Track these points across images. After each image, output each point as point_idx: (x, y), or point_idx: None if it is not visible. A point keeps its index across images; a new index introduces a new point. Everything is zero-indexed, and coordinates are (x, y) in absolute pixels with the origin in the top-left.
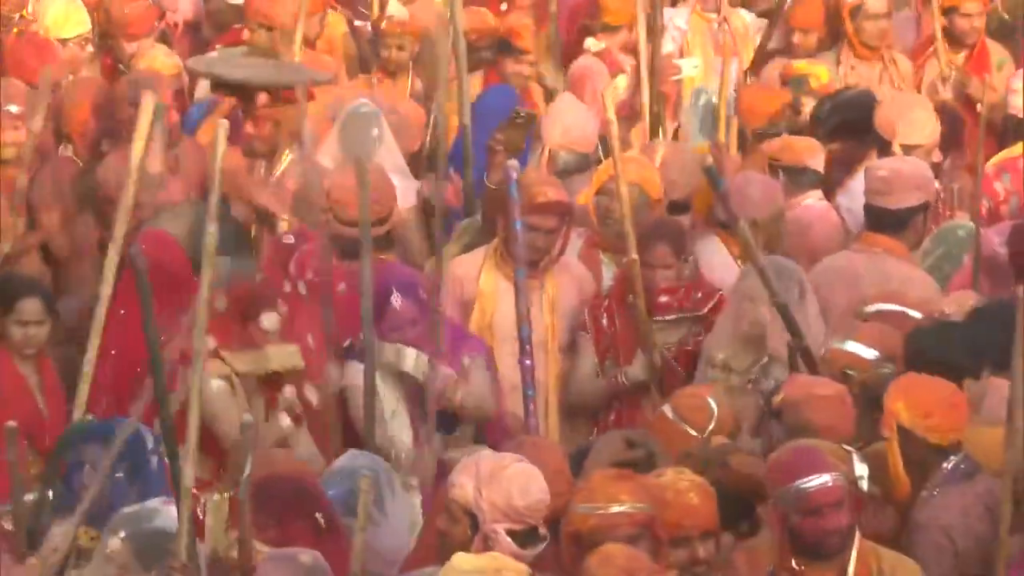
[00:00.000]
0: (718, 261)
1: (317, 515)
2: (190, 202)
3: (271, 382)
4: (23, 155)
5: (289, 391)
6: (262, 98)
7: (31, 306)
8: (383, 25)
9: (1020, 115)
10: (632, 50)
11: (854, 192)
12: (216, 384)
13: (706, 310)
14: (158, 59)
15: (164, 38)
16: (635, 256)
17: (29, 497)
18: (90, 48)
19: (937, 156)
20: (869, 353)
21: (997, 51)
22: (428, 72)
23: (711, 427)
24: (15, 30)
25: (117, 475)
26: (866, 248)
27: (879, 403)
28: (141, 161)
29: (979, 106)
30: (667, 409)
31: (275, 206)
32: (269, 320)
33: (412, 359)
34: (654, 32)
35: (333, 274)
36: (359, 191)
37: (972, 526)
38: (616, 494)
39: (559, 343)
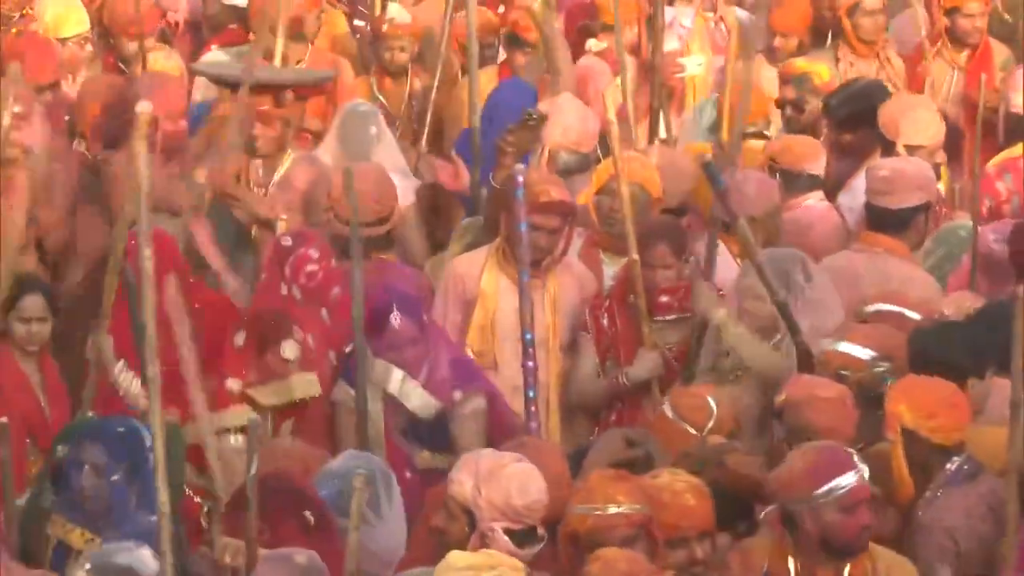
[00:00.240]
0: (717, 260)
1: (306, 514)
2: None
3: (286, 408)
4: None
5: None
6: (269, 99)
7: (33, 302)
8: (384, 28)
9: (1020, 112)
10: (633, 50)
11: (856, 191)
12: (236, 441)
13: None
14: (158, 62)
15: (165, 37)
16: (636, 256)
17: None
18: (89, 47)
19: (940, 157)
20: (863, 353)
21: (1000, 51)
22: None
23: (710, 426)
24: (14, 30)
25: (114, 477)
26: (867, 248)
27: (877, 403)
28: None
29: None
30: (666, 408)
31: (266, 210)
32: (290, 349)
33: (398, 382)
34: (655, 31)
35: (330, 277)
36: (346, 196)
37: (975, 527)
38: (614, 495)
39: (560, 342)
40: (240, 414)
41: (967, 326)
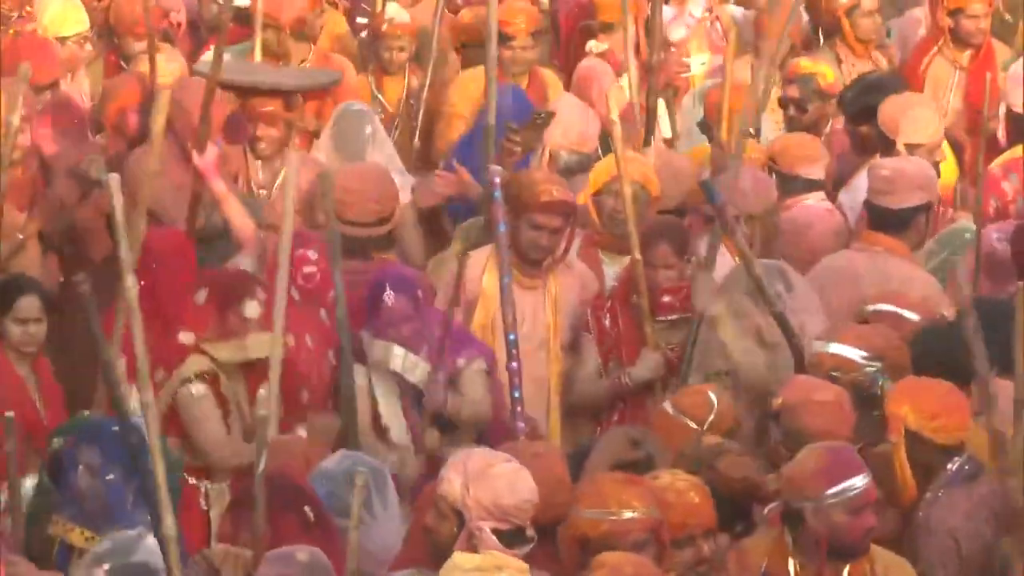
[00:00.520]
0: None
1: (306, 510)
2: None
3: (253, 372)
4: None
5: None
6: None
7: (29, 303)
8: (384, 28)
9: (1019, 110)
10: (634, 49)
11: (856, 190)
12: (197, 390)
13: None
14: (159, 64)
15: (167, 38)
16: (638, 256)
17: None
18: (88, 47)
19: (940, 155)
20: (854, 353)
21: (1003, 52)
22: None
23: (711, 420)
24: (11, 31)
25: (109, 477)
26: (867, 247)
27: (871, 403)
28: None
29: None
30: (667, 405)
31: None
32: (250, 308)
33: (400, 358)
34: (653, 31)
35: (328, 277)
36: (322, 200)
37: (977, 528)
38: (628, 500)
39: (561, 343)
40: (197, 360)
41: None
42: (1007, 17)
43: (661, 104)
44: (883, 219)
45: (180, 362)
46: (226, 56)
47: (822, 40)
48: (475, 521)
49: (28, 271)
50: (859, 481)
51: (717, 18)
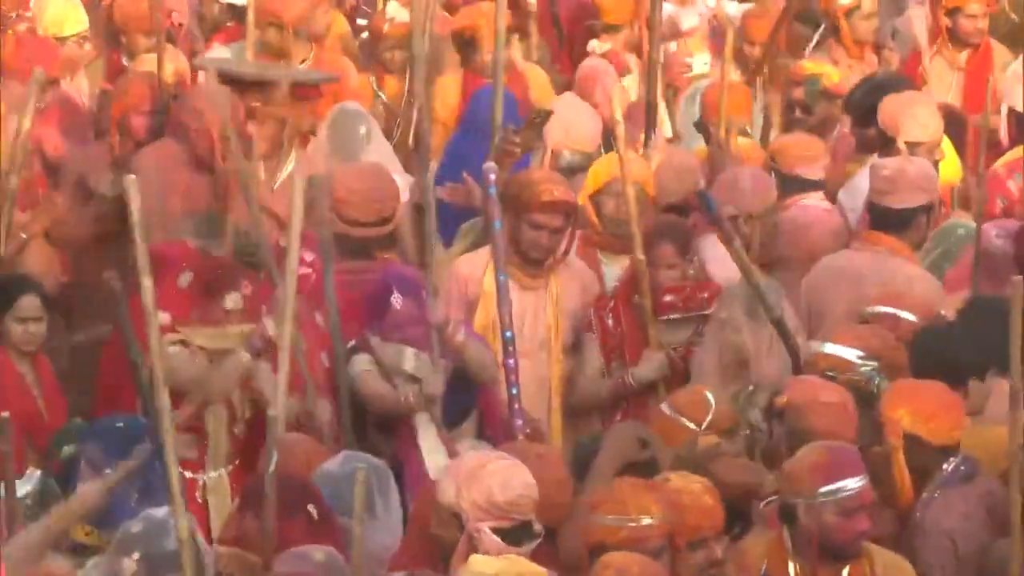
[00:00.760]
0: (711, 255)
1: (310, 508)
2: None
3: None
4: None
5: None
6: (261, 96)
7: (30, 303)
8: (385, 28)
9: (1019, 108)
10: (636, 49)
11: (856, 190)
12: (172, 349)
13: (711, 310)
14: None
15: (169, 37)
16: (641, 256)
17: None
18: (88, 46)
19: (940, 154)
20: (850, 353)
21: (1002, 53)
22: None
23: (709, 420)
24: (9, 31)
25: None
26: (868, 247)
27: (868, 403)
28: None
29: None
30: (664, 406)
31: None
32: (232, 300)
33: (412, 358)
34: (652, 30)
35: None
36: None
37: (974, 529)
38: (648, 506)
39: (563, 343)
40: (173, 336)
41: (968, 327)
42: (1012, 16)
43: (662, 104)
44: (884, 219)
45: None
46: (224, 53)
47: (815, 41)
48: (472, 523)
49: (32, 271)
50: (853, 482)
51: (715, 16)
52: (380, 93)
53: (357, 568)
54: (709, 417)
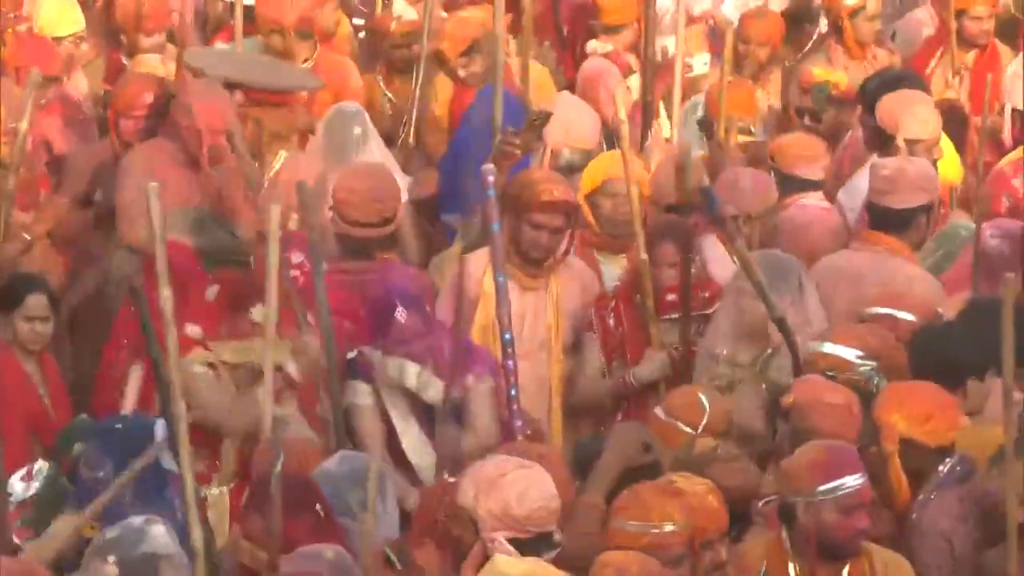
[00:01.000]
0: (712, 255)
1: (316, 506)
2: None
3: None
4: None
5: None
6: (238, 96)
7: (37, 301)
8: (393, 26)
9: (1021, 108)
10: (635, 49)
11: (855, 190)
12: (199, 370)
13: (712, 309)
14: (158, 69)
15: (170, 37)
16: (644, 256)
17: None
18: (84, 46)
19: (939, 152)
20: (849, 353)
21: (1007, 54)
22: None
23: (704, 423)
24: (9, 30)
25: (100, 473)
26: (868, 247)
27: (868, 403)
28: None
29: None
30: (659, 409)
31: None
32: (260, 313)
33: (414, 375)
34: (647, 29)
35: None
36: (304, 209)
37: (970, 530)
38: (671, 513)
39: (563, 343)
40: (202, 355)
41: (966, 327)
42: (1015, 13)
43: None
44: (884, 219)
45: (185, 351)
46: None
47: (810, 44)
48: (487, 531)
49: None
50: (852, 481)
51: (712, 16)
52: (387, 92)
53: (366, 565)
54: (704, 420)
